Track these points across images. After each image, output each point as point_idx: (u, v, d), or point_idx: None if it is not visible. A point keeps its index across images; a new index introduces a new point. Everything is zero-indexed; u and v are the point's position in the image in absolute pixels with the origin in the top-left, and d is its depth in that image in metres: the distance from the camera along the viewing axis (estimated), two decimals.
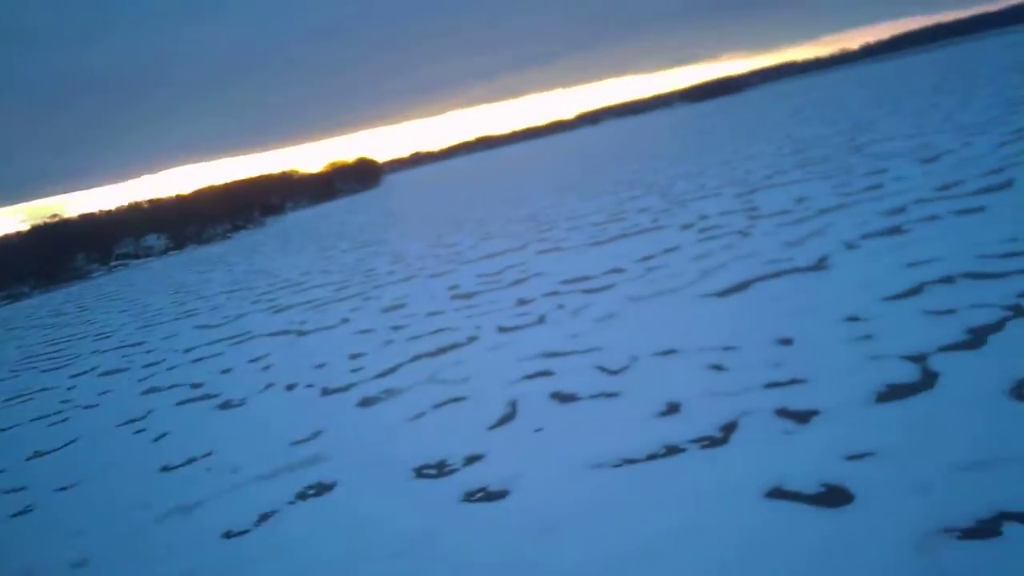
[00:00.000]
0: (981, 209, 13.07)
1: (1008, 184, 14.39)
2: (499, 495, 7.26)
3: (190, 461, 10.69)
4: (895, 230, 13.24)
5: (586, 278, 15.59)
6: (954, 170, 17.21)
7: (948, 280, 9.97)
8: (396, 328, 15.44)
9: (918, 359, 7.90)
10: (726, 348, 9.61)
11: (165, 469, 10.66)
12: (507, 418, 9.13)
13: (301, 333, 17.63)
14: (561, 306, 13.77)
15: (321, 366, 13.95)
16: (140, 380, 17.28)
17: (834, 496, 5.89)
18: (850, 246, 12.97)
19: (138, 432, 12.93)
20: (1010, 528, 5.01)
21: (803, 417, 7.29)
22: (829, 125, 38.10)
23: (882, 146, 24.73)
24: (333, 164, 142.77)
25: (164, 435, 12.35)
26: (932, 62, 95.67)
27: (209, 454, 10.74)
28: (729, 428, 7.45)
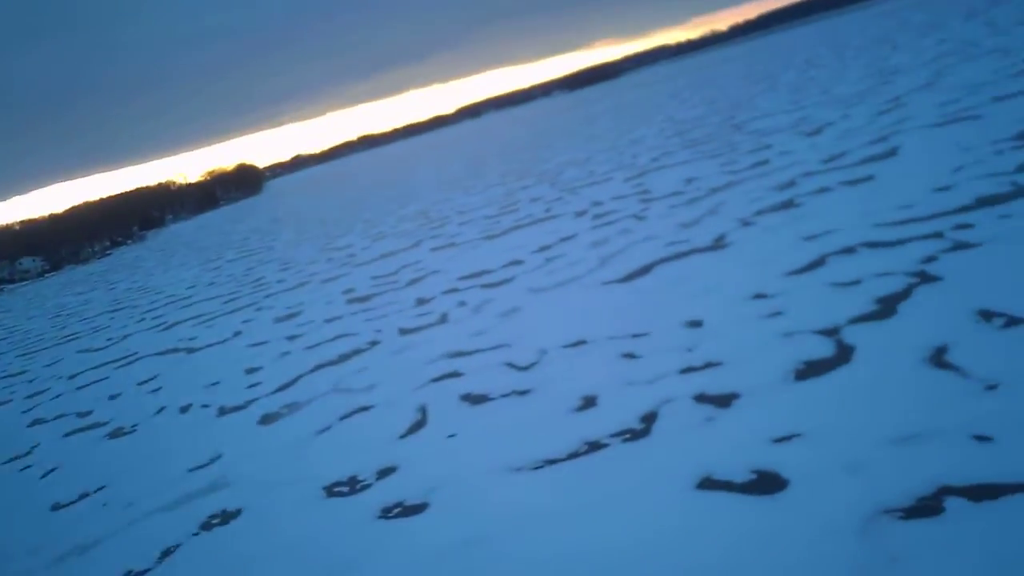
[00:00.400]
0: (870, 178, 13.21)
1: (893, 152, 14.61)
2: (417, 509, 6.88)
3: (83, 497, 10.00)
4: (788, 204, 13.29)
5: (485, 272, 15.28)
6: (838, 141, 17.46)
7: (849, 251, 9.97)
8: (292, 338, 14.86)
9: (831, 333, 7.81)
10: (636, 335, 9.41)
11: (56, 508, 9.96)
12: (418, 425, 8.74)
13: (191, 350, 16.87)
14: (462, 303, 13.43)
15: (215, 384, 13.30)
16: (23, 412, 16.31)
17: (767, 483, 5.69)
18: (745, 223, 12.97)
19: (24, 469, 12.13)
20: (953, 503, 4.87)
21: (723, 401, 7.11)
22: (708, 105, 38.62)
23: (763, 122, 25.07)
24: (213, 172, 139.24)
25: (53, 470, 11.59)
26: (801, 38, 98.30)
27: (103, 488, 10.07)
28: (649, 418, 7.22)
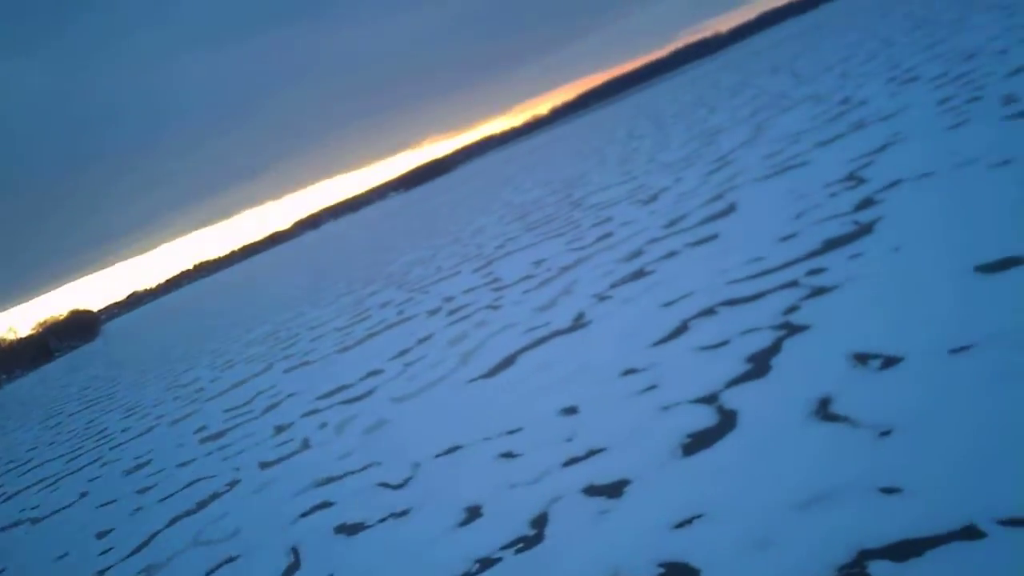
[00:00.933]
0: (715, 237, 13.27)
1: (731, 208, 14.80)
2: None
3: None
4: (640, 273, 13.19)
5: (343, 388, 14.57)
6: (675, 206, 17.67)
7: (709, 313, 9.81)
8: (143, 491, 13.72)
9: (710, 400, 7.53)
10: (511, 432, 8.93)
11: None
12: (291, 569, 7.97)
13: (35, 520, 15.42)
14: (324, 424, 12.68)
15: (64, 556, 12.07)
16: None
17: (678, 575, 5.25)
18: (602, 298, 12.77)
19: None
20: (877, 567, 4.52)
21: (614, 491, 6.68)
22: (543, 187, 39.11)
23: (600, 196, 25.37)
24: (44, 323, 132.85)
25: None
26: (620, 112, 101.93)
27: None
28: (540, 521, 6.71)
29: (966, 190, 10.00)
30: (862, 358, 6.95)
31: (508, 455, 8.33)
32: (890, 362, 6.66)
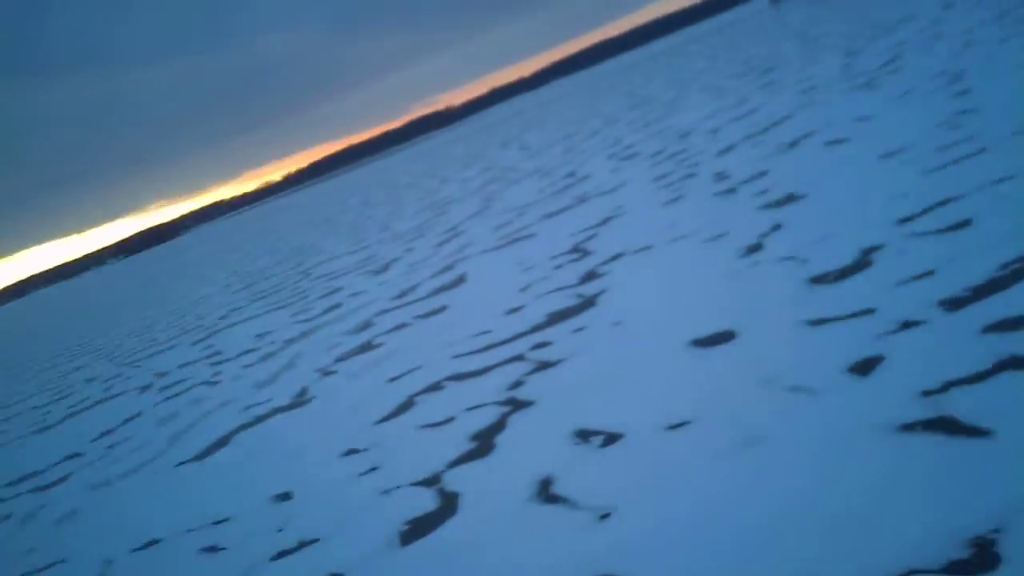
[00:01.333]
0: (443, 308, 13.05)
1: (461, 280, 14.67)
2: None
3: None
4: (367, 347, 12.73)
5: (34, 474, 13.06)
6: (406, 276, 17.40)
7: (435, 388, 9.47)
8: None
9: (431, 482, 7.12)
10: (217, 522, 8.13)
11: None
12: None
13: None
14: (7, 517, 11.26)
15: None
16: None
17: None
18: (326, 373, 12.18)
19: None
20: None
21: None
22: (272, 255, 37.99)
23: (329, 266, 24.79)
24: None
25: None
26: (354, 181, 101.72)
27: None
28: None
29: (682, 264, 10.31)
30: (584, 435, 6.79)
31: (212, 549, 7.54)
32: (611, 439, 6.52)
